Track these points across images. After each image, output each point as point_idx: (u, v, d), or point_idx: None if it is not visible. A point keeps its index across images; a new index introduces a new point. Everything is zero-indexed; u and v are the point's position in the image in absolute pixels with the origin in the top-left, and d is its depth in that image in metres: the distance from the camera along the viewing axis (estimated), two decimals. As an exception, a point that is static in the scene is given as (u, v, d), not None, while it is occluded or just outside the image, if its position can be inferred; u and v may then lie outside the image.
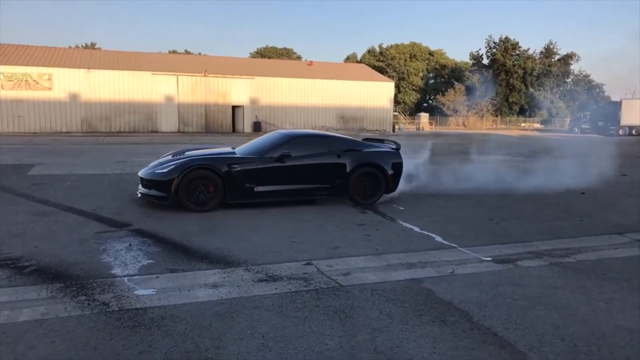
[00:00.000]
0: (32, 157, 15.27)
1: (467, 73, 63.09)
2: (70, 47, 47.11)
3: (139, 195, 8.21)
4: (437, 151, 18.59)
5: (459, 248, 6.06)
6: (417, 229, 6.97)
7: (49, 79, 30.66)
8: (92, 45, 62.65)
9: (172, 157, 8.65)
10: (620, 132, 40.61)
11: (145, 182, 8.06)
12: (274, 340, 3.50)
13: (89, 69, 31.73)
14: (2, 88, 29.62)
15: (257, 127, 35.07)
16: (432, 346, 3.48)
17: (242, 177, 7.88)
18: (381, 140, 9.85)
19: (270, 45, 73.26)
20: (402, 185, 9.34)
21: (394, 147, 9.22)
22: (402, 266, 5.28)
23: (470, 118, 54.51)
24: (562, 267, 5.38)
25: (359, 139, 9.61)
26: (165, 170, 7.80)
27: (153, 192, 7.90)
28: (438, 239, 6.48)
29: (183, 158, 8.20)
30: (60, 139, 25.33)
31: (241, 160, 8.06)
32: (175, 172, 7.64)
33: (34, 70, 30.41)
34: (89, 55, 36.24)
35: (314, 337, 3.56)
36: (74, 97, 31.32)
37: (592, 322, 3.95)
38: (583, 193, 10.40)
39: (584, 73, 66.41)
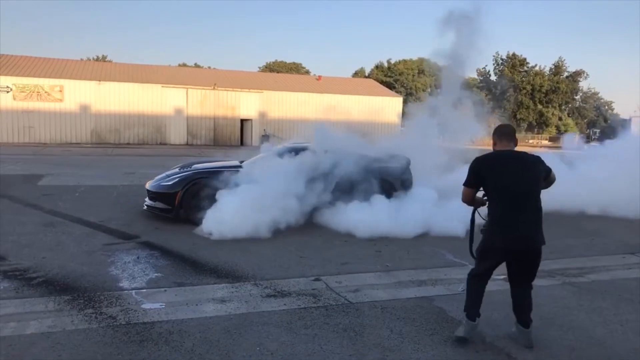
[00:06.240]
0: (42, 168, 15.34)
1: (475, 89, 63.10)
2: (81, 59, 47.62)
3: (145, 207, 8.20)
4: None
5: (470, 265, 5.96)
6: (427, 245, 6.89)
7: (60, 91, 30.96)
8: (103, 58, 63.34)
9: (179, 169, 8.64)
10: None
11: (151, 195, 8.05)
12: (283, 357, 3.44)
13: (99, 81, 32.04)
14: (14, 99, 29.92)
15: (266, 141, 35.11)
16: (445, 367, 3.40)
17: None
18: (393, 156, 9.73)
19: (279, 59, 73.71)
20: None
21: (404, 162, 9.15)
22: (412, 283, 5.21)
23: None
24: (575, 287, 5.28)
25: (369, 154, 9.50)
26: (169, 183, 7.80)
27: (158, 204, 7.89)
28: (449, 256, 6.39)
29: (189, 171, 8.19)
30: (70, 149, 25.48)
31: None
32: (179, 185, 7.64)
33: (45, 82, 30.71)
34: (100, 68, 36.61)
35: (323, 356, 3.49)
36: (84, 109, 31.58)
37: (608, 345, 3.85)
38: None
39: (592, 90, 66.30)
